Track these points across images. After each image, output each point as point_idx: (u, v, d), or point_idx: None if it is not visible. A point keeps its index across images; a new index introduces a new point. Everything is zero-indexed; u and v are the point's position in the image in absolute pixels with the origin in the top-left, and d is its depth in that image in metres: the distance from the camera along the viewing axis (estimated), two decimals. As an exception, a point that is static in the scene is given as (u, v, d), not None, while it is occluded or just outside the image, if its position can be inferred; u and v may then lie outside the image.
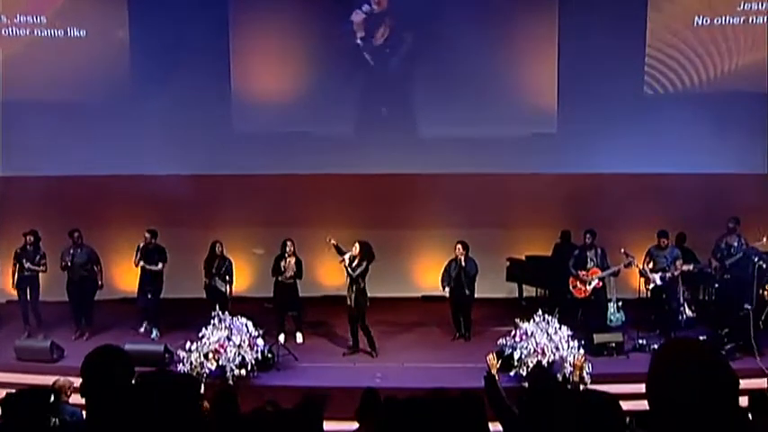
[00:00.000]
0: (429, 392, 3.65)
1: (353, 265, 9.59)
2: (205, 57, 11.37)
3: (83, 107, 11.30)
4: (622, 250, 10.19)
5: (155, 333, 10.50)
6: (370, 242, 9.84)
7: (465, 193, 12.16)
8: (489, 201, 12.26)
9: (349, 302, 9.61)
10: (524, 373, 8.42)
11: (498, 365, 5.69)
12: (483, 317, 11.41)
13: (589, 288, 10.33)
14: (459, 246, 10.37)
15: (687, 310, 10.35)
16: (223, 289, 10.37)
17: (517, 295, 12.26)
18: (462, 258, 10.27)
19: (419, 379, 8.72)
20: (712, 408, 2.00)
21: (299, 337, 10.41)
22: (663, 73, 11.26)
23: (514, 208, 12.36)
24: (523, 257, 12.17)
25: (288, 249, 10.33)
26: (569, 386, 7.36)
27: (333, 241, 9.71)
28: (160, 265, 10.40)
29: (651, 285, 10.12)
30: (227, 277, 10.40)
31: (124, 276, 11.79)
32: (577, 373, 7.54)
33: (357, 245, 9.67)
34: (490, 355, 5.75)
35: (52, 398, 5.44)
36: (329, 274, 12.90)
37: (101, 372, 2.64)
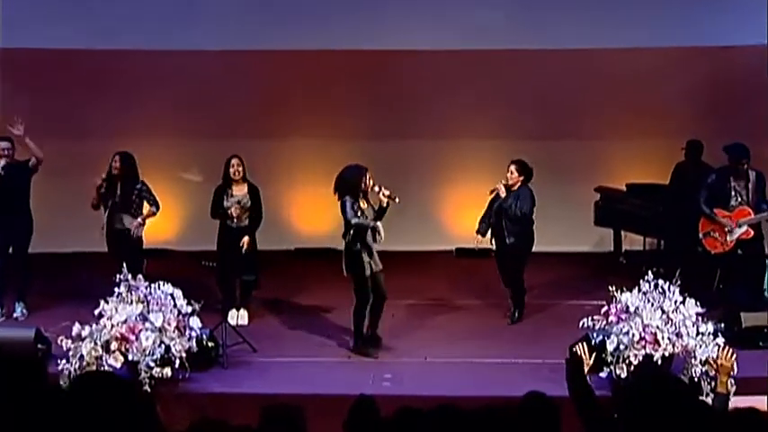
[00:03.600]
0: (467, 402, 3.59)
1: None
2: None
3: None
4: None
5: (19, 310, 10.48)
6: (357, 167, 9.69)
7: (524, 81, 12.00)
8: (564, 94, 12.11)
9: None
10: (624, 375, 8.40)
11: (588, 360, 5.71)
12: (557, 282, 11.40)
13: (732, 239, 10.25)
14: (514, 168, 10.26)
15: None
16: (136, 230, 10.35)
17: (612, 248, 12.29)
18: (511, 187, 10.22)
19: (451, 382, 8.78)
20: None
21: (244, 317, 10.57)
22: None
23: (607, 105, 12.22)
24: (623, 187, 12.15)
25: (233, 172, 10.28)
26: (704, 397, 7.30)
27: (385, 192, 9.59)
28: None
29: None
30: (148, 207, 10.32)
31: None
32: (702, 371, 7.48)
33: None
34: (579, 346, 5.76)
35: None
36: (308, 214, 12.88)
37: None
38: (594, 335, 8.74)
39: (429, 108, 12.37)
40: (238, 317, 10.50)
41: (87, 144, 11.93)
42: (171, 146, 12.34)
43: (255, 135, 11.84)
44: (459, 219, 12.52)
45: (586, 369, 5.62)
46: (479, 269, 11.18)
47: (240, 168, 10.28)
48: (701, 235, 10.41)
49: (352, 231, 9.41)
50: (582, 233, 12.32)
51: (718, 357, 6.97)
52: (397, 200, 9.48)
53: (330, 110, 12.38)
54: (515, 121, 12.18)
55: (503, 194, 10.18)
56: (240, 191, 10.32)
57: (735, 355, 7.91)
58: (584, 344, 5.96)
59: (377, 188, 9.50)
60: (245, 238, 10.24)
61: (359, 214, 9.37)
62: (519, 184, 10.25)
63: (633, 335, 8.54)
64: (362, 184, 9.45)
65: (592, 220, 12.24)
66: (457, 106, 12.29)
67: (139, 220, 10.32)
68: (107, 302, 8.81)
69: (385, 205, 9.52)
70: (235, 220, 10.32)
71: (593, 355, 8.52)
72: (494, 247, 10.51)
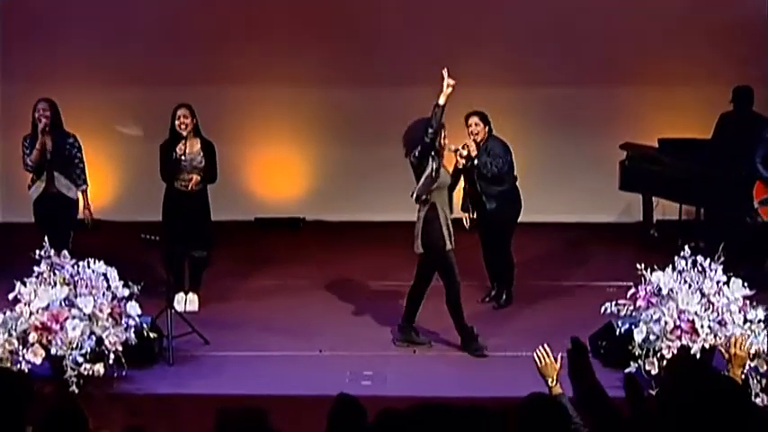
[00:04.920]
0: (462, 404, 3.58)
1: None
2: None
3: None
4: None
5: None
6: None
7: (531, 14, 12.09)
8: (580, 30, 12.17)
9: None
10: (655, 371, 8.43)
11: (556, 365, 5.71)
12: (573, 259, 11.48)
13: (791, 206, 10.29)
14: (477, 119, 10.30)
15: None
16: (71, 194, 10.34)
17: (641, 218, 12.33)
18: (478, 142, 10.22)
19: (443, 379, 8.86)
20: None
21: (194, 302, 10.60)
22: None
23: (634, 42, 12.25)
24: (654, 143, 12.16)
25: (179, 125, 10.21)
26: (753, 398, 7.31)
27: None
28: None
29: None
30: (77, 169, 10.32)
31: None
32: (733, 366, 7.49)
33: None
34: (540, 349, 5.82)
35: None
36: (270, 178, 12.84)
37: None
38: (619, 323, 8.76)
39: (414, 49, 12.34)
40: (187, 301, 10.51)
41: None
42: (103, 92, 12.30)
43: (205, 80, 11.84)
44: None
45: (553, 380, 5.60)
46: (475, 244, 11.13)
47: (188, 120, 10.20)
48: (756, 203, 10.39)
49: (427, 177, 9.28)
50: (604, 199, 12.33)
51: (731, 346, 7.00)
52: (476, 162, 9.52)
53: (296, 51, 12.36)
54: (519, 64, 12.15)
55: (474, 152, 10.13)
56: (191, 147, 10.25)
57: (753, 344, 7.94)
58: (546, 346, 5.94)
59: (453, 147, 9.51)
60: (195, 177, 10.22)
61: (435, 174, 9.26)
62: (485, 136, 10.25)
63: (666, 323, 8.53)
64: (437, 142, 9.35)
65: (616, 184, 12.21)
66: (448, 46, 12.23)
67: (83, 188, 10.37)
68: (24, 284, 8.74)
69: (460, 167, 9.54)
70: (185, 184, 10.29)
71: (609, 345, 8.67)
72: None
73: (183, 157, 10.21)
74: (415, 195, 9.38)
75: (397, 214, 12.50)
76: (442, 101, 9.17)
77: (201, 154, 10.27)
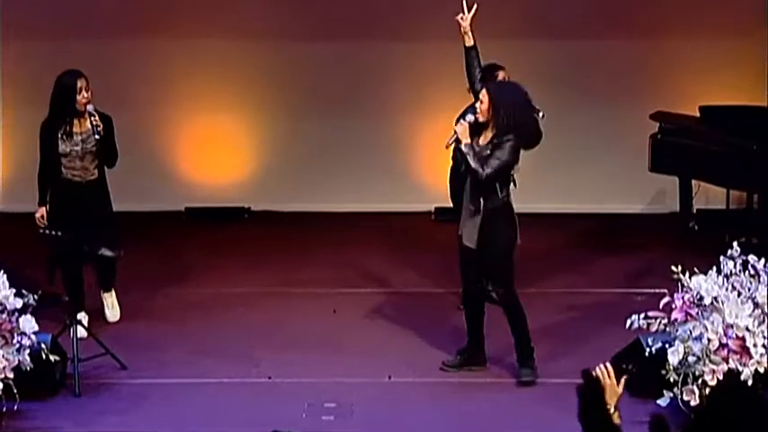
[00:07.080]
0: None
1: None
2: None
3: None
4: None
5: None
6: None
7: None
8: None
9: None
10: (695, 402, 8.48)
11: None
12: (592, 259, 11.54)
13: None
14: (502, 73, 10.19)
15: None
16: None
17: (678, 208, 12.41)
18: None
19: (425, 413, 8.92)
20: None
21: (113, 311, 10.64)
22: None
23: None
24: (695, 112, 12.16)
25: (82, 98, 10.15)
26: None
27: None
28: None
29: None
30: None
31: None
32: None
33: None
34: (601, 366, 5.70)
35: None
36: (202, 159, 12.84)
37: None
38: (650, 341, 8.80)
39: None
40: (106, 306, 10.59)
41: None
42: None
43: (115, 30, 11.90)
44: (441, 166, 12.47)
45: (613, 399, 5.60)
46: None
47: (89, 93, 10.16)
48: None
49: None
50: (631, 184, 12.44)
51: None
52: None
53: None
54: (515, 12, 12.16)
55: None
56: (83, 126, 10.22)
57: None
58: (610, 363, 5.94)
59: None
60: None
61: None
62: None
63: (710, 340, 8.56)
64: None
65: (646, 165, 12.24)
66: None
67: None
68: None
69: None
70: (76, 173, 10.28)
71: (633, 368, 8.69)
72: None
73: (82, 141, 10.18)
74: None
75: (365, 204, 12.56)
76: (468, 42, 9.31)
77: (97, 132, 10.15)
